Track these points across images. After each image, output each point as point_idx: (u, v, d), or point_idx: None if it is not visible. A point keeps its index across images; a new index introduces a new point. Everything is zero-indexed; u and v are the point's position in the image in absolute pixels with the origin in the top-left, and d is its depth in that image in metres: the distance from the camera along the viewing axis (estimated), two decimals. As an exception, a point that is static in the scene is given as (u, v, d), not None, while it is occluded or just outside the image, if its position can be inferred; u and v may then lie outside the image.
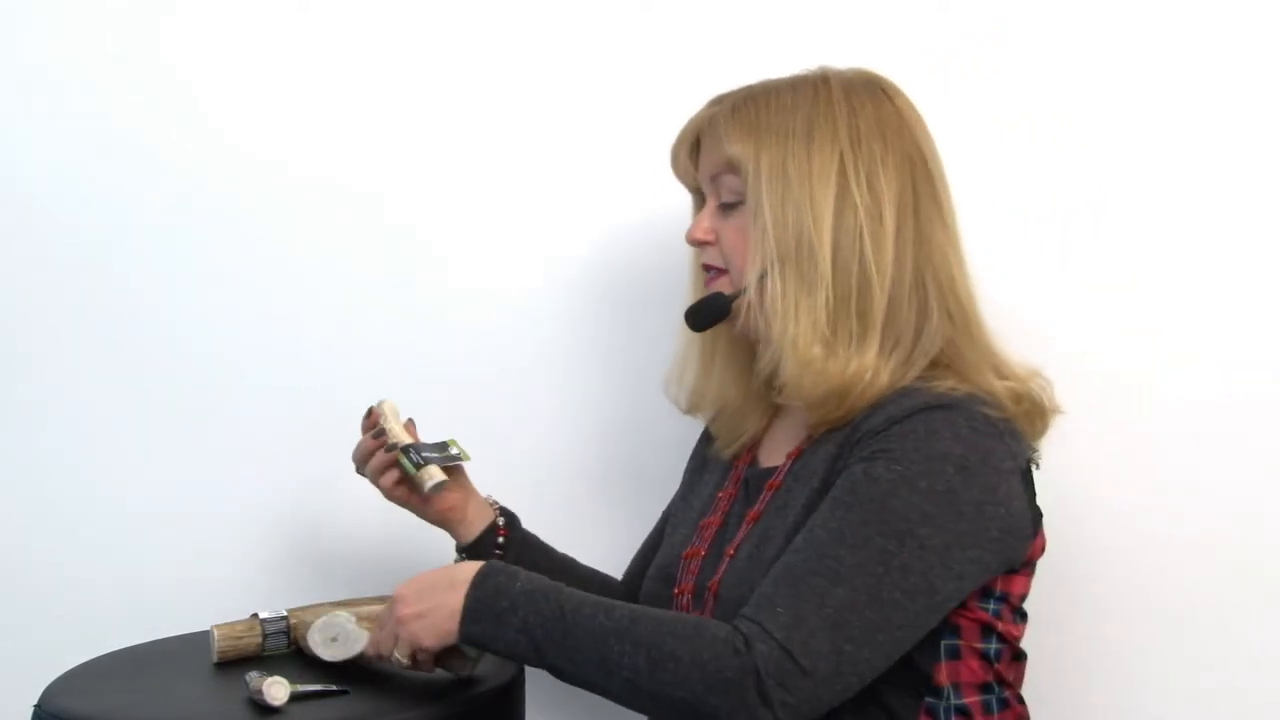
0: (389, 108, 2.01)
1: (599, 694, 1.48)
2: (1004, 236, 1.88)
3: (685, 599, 1.62)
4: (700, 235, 1.63)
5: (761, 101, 1.58)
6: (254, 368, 2.03)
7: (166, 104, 2.02)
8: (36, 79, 2.03)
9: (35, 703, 1.61)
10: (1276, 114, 1.86)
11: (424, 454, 1.70)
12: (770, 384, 1.63)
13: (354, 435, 2.01)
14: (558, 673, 1.48)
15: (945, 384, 1.53)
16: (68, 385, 2.04)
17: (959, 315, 1.57)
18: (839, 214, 1.54)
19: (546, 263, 2.00)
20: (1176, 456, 1.87)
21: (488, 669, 1.63)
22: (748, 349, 1.67)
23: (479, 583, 1.48)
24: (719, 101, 1.63)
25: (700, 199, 1.69)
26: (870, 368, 1.53)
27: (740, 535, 1.59)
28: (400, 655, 1.53)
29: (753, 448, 1.69)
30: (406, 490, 1.74)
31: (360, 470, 1.76)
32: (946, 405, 1.50)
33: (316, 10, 2.01)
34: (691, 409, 1.74)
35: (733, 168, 1.58)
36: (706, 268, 1.64)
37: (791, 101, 1.57)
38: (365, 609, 1.64)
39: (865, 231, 1.54)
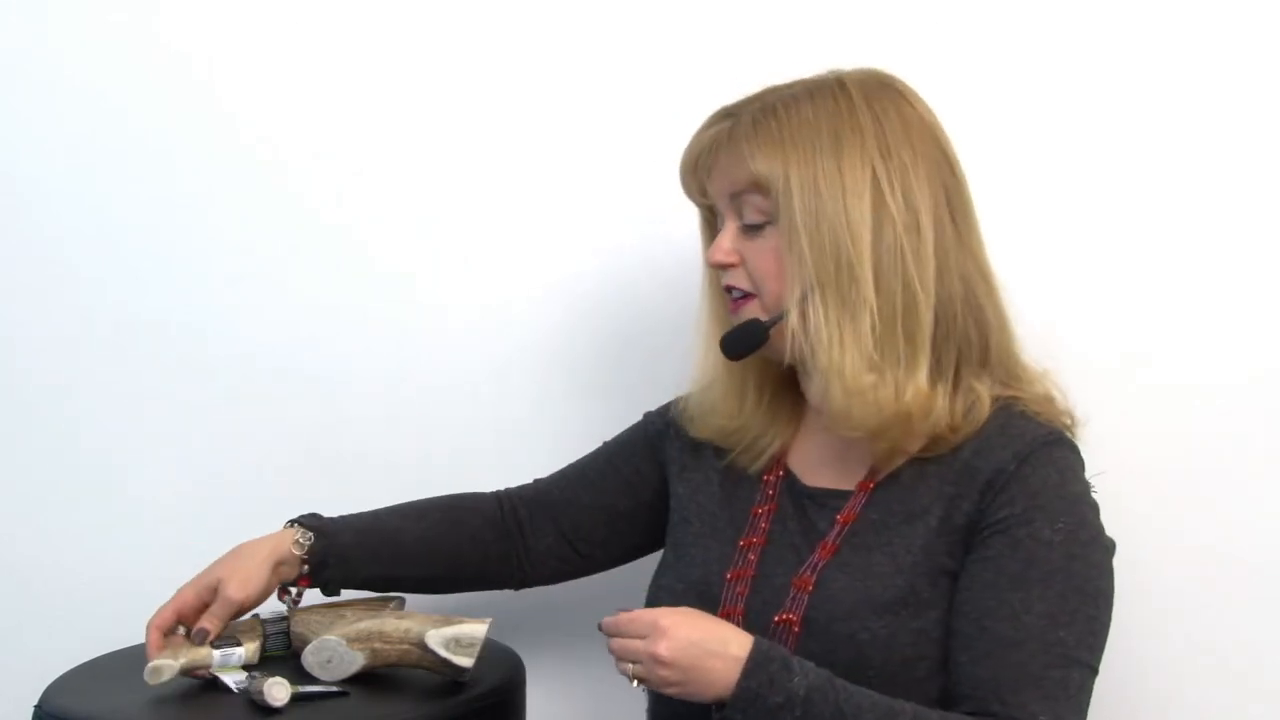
0: (390, 115, 2.01)
1: None
2: (1007, 236, 1.88)
3: (736, 622, 1.52)
4: (722, 258, 1.54)
5: (781, 114, 1.50)
6: (254, 369, 2.03)
7: (169, 105, 2.02)
8: (33, 75, 2.03)
9: (35, 703, 1.61)
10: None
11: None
12: (790, 395, 1.61)
13: (353, 436, 2.02)
14: None
15: (1029, 401, 1.53)
16: (67, 386, 2.04)
17: (1000, 320, 1.55)
18: (877, 231, 1.47)
19: (547, 274, 1.99)
20: (1180, 458, 1.87)
21: (487, 669, 1.63)
22: (772, 364, 1.59)
23: (752, 670, 1.39)
24: (729, 115, 1.55)
25: (711, 216, 1.61)
26: (925, 392, 1.48)
27: (816, 568, 1.52)
28: (636, 680, 1.44)
29: (780, 458, 1.62)
30: None
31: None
32: (1058, 436, 1.50)
33: (320, 12, 2.01)
34: (720, 438, 1.64)
35: (759, 186, 1.50)
36: (729, 289, 1.55)
37: (813, 112, 1.50)
38: (355, 628, 1.62)
39: (905, 247, 1.47)
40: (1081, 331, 1.87)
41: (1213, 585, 1.86)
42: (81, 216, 2.04)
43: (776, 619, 1.51)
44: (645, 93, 1.95)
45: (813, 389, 1.55)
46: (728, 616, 1.54)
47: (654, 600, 1.63)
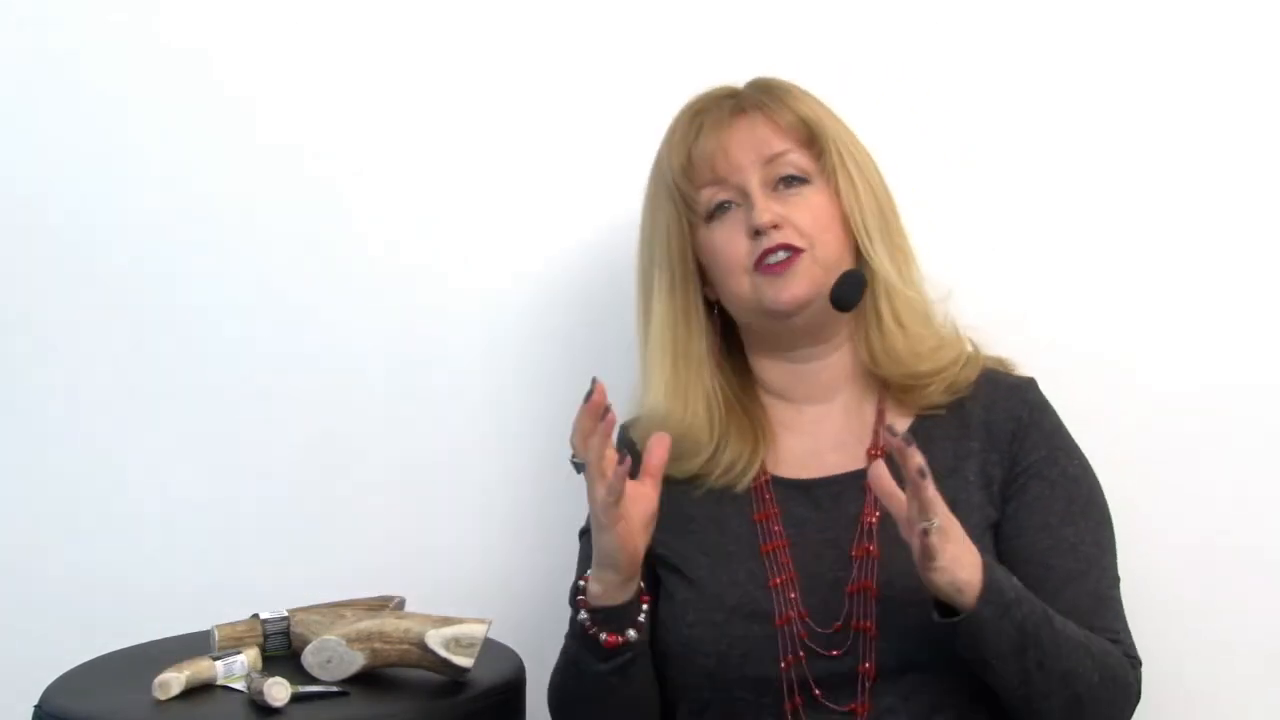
0: (390, 114, 2.00)
1: (1020, 702, 1.45)
2: (1009, 237, 1.88)
3: (796, 626, 1.52)
4: (772, 218, 1.54)
5: (793, 87, 1.62)
6: (253, 368, 2.03)
7: (169, 106, 2.02)
8: (33, 75, 2.03)
9: (35, 703, 1.62)
10: (1270, 111, 1.87)
11: None
12: (757, 388, 1.64)
13: (352, 436, 2.03)
14: (1009, 680, 1.43)
15: (988, 354, 1.63)
16: (67, 386, 2.04)
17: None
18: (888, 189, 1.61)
19: (548, 273, 1.99)
20: (1177, 458, 1.87)
21: (487, 669, 1.63)
22: (721, 385, 1.61)
23: (989, 562, 1.43)
24: (734, 94, 1.62)
25: (692, 216, 1.59)
26: (957, 337, 1.61)
27: (873, 536, 1.53)
28: (930, 535, 1.37)
29: (762, 466, 1.60)
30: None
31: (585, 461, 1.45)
32: (1033, 380, 1.62)
33: (319, 13, 2.01)
34: (702, 460, 1.59)
35: (808, 137, 1.58)
36: (773, 250, 1.54)
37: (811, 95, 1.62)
38: (355, 628, 1.62)
39: (897, 208, 1.61)
40: (1081, 331, 1.87)
41: (1210, 584, 1.87)
42: (79, 218, 2.04)
43: (849, 589, 1.52)
44: (647, 92, 1.95)
45: (863, 342, 1.60)
46: (788, 622, 1.52)
47: (693, 637, 1.54)
